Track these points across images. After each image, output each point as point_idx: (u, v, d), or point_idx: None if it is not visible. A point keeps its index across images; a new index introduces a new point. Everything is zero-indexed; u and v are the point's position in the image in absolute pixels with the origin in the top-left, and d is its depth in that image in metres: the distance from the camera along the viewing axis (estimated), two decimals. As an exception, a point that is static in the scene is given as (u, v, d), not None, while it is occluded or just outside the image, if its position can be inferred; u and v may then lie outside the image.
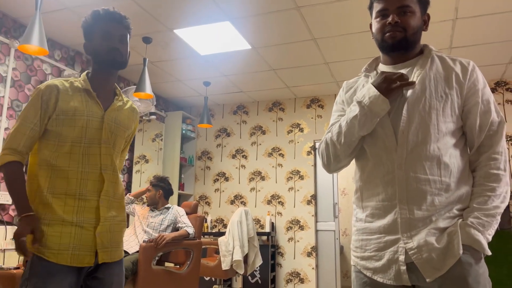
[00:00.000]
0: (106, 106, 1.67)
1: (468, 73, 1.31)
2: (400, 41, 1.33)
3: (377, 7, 1.37)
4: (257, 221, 5.61)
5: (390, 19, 1.32)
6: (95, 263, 1.55)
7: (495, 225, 1.23)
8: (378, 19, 1.36)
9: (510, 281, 4.39)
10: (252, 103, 6.01)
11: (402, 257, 1.24)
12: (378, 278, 1.28)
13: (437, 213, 1.24)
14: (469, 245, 1.20)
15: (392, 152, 1.29)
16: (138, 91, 4.08)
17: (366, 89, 1.32)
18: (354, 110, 1.33)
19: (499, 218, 1.23)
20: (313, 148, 5.57)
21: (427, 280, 1.20)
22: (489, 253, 1.21)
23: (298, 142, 5.66)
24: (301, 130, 5.68)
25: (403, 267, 1.23)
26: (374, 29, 1.39)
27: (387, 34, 1.33)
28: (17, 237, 1.44)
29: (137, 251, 3.36)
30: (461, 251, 1.18)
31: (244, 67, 4.75)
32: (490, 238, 1.22)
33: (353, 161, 1.48)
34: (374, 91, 1.28)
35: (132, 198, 4.00)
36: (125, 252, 3.46)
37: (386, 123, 1.31)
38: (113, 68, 1.69)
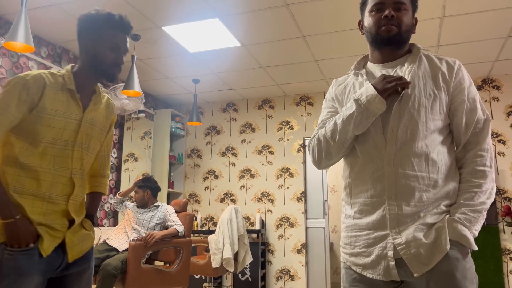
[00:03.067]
0: (85, 106, 1.60)
1: (454, 72, 1.33)
2: (395, 35, 1.34)
3: (373, 1, 1.38)
4: (247, 218, 5.61)
5: (387, 12, 1.33)
6: (65, 262, 1.50)
7: (481, 221, 1.25)
8: (373, 13, 1.37)
9: (497, 276, 4.46)
10: (241, 101, 6.00)
11: (391, 253, 1.25)
12: (368, 274, 1.29)
13: (425, 209, 1.25)
14: (456, 240, 1.22)
15: (382, 149, 1.30)
16: (126, 88, 4.04)
17: (364, 88, 1.32)
18: (350, 108, 1.33)
19: (485, 214, 1.25)
20: (303, 145, 5.59)
21: (415, 275, 1.21)
22: (476, 248, 1.23)
23: (288, 140, 5.67)
24: (291, 127, 5.69)
25: (392, 263, 1.24)
26: (367, 23, 1.39)
27: (383, 27, 1.34)
28: (25, 245, 1.38)
29: (127, 249, 3.34)
30: (448, 246, 1.20)
31: (234, 65, 4.73)
32: (476, 233, 1.24)
33: (342, 158, 1.48)
34: (372, 90, 1.29)
35: (121, 197, 3.97)
36: (115, 250, 3.44)
37: (376, 120, 1.32)
38: (107, 79, 1.63)
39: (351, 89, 1.44)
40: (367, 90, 1.31)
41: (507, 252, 4.60)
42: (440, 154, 1.29)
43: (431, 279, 1.20)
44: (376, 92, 1.28)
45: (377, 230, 1.28)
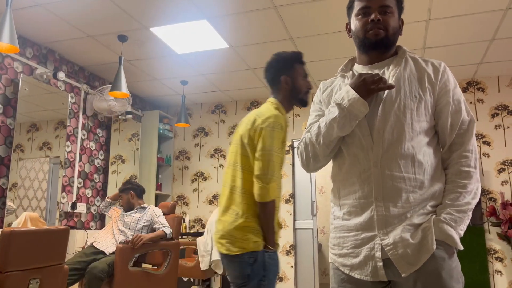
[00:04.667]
0: None
1: (440, 73, 1.34)
2: (382, 39, 1.34)
3: (358, 5, 1.38)
4: (236, 220, 5.59)
5: (373, 16, 1.33)
6: None
7: (466, 221, 1.26)
8: (359, 17, 1.37)
9: (482, 275, 4.52)
10: (230, 102, 5.99)
11: (378, 254, 1.26)
12: (356, 274, 1.30)
13: (412, 210, 1.26)
14: (442, 240, 1.23)
15: (368, 151, 1.30)
16: (113, 90, 4.01)
17: (344, 91, 1.32)
18: (333, 112, 1.33)
19: (470, 213, 1.27)
20: (291, 147, 5.60)
21: (402, 275, 1.22)
22: (461, 247, 1.24)
23: (276, 141, 5.67)
24: (279, 129, 5.69)
25: (380, 263, 1.25)
26: (354, 26, 1.40)
27: (370, 31, 1.34)
28: None
29: (114, 252, 3.31)
30: (434, 246, 1.21)
31: (222, 66, 4.73)
32: (462, 233, 1.25)
33: (331, 160, 1.49)
34: (353, 94, 1.29)
35: (110, 201, 3.95)
36: (102, 253, 3.41)
37: (362, 122, 1.32)
38: (302, 105, 2.06)
39: (337, 91, 1.44)
40: (348, 93, 1.30)
41: (492, 252, 4.67)
42: (426, 156, 1.30)
43: (418, 279, 1.22)
44: (357, 95, 1.28)
45: (365, 231, 1.29)
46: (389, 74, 1.35)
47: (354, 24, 1.39)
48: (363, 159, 1.31)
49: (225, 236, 1.88)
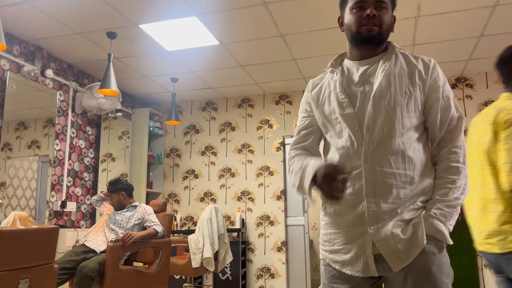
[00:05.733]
0: None
1: (430, 70, 1.34)
2: (376, 35, 1.34)
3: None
4: (227, 217, 5.59)
5: (368, 11, 1.32)
6: None
7: (455, 216, 1.27)
8: (354, 11, 1.36)
9: (471, 270, 4.57)
10: (221, 100, 5.98)
11: (369, 249, 1.26)
12: (347, 270, 1.31)
13: (402, 205, 1.27)
14: (432, 235, 1.24)
15: (359, 147, 1.31)
16: (103, 87, 3.97)
17: (309, 172, 1.28)
18: (295, 177, 1.37)
19: (459, 208, 1.28)
20: (283, 144, 5.61)
21: (394, 270, 1.23)
22: (451, 242, 1.25)
23: (268, 138, 5.68)
24: (270, 126, 5.70)
25: (371, 259, 1.26)
26: (348, 20, 1.38)
27: (364, 26, 1.33)
28: None
29: (105, 250, 3.29)
30: (425, 241, 1.22)
31: (212, 63, 4.71)
32: (451, 228, 1.27)
33: (322, 154, 1.49)
34: (307, 183, 1.28)
35: (103, 196, 3.90)
36: (93, 251, 3.38)
37: (352, 119, 1.32)
38: None
39: (327, 88, 1.44)
40: (308, 178, 1.27)
41: (481, 246, 4.72)
42: (416, 151, 1.31)
43: (408, 274, 1.23)
44: (307, 187, 1.28)
45: (355, 227, 1.30)
46: (379, 70, 1.35)
47: (348, 17, 1.38)
48: (353, 156, 1.31)
49: (493, 235, 1.84)
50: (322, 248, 1.41)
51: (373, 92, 1.32)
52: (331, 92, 1.40)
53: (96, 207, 3.96)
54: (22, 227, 2.98)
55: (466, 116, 5.06)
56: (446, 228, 1.25)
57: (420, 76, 1.33)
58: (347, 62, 1.45)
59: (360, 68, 1.39)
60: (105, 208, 3.84)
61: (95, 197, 3.94)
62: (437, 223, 1.24)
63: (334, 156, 1.38)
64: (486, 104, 5.02)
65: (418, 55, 1.39)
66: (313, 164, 1.28)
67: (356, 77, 1.38)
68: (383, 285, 1.35)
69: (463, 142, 1.34)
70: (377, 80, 1.33)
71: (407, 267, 1.22)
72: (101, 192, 3.93)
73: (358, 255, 1.28)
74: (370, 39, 1.35)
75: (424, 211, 1.28)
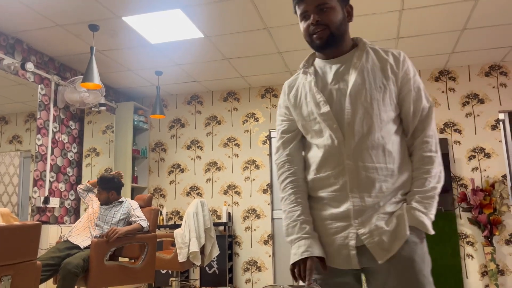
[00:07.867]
0: None
1: (400, 63, 1.37)
2: (327, 38, 1.35)
3: (299, 10, 1.40)
4: (214, 211, 5.59)
5: (311, 19, 1.35)
6: None
7: (435, 204, 1.31)
8: (302, 22, 1.39)
9: (454, 259, 4.66)
10: (206, 93, 5.94)
11: (352, 242, 1.28)
12: (329, 263, 1.32)
13: (385, 199, 1.30)
14: (414, 226, 1.27)
15: (340, 144, 1.32)
16: (85, 81, 3.91)
17: (295, 252, 1.33)
18: (286, 224, 1.39)
19: (437, 197, 1.32)
20: (269, 137, 5.61)
21: (379, 262, 1.25)
22: (433, 232, 1.29)
23: (254, 132, 5.67)
24: (256, 119, 5.69)
25: (353, 252, 1.28)
26: (301, 30, 1.42)
27: (314, 35, 1.36)
28: None
29: (89, 246, 3.25)
30: (408, 233, 1.25)
31: (197, 56, 4.67)
32: (433, 217, 1.30)
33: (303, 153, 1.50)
34: (294, 255, 1.32)
35: (90, 186, 3.82)
36: (77, 247, 3.34)
37: (329, 117, 1.33)
38: None
39: (302, 90, 1.44)
40: (295, 254, 1.32)
41: (463, 237, 4.82)
42: (395, 144, 1.34)
43: (392, 264, 1.25)
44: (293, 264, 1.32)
45: (339, 220, 1.31)
46: (352, 67, 1.36)
47: (301, 28, 1.42)
48: (336, 153, 1.33)
49: None
50: (307, 241, 1.41)
51: (349, 89, 1.33)
52: (307, 93, 1.42)
53: (82, 197, 3.88)
54: (4, 223, 2.92)
55: (449, 108, 5.13)
56: (428, 218, 1.28)
57: (392, 70, 1.36)
58: (319, 62, 1.46)
59: (333, 66, 1.41)
60: (91, 202, 3.78)
61: (81, 186, 3.85)
62: (419, 215, 1.27)
63: (316, 154, 1.39)
64: (468, 97, 5.10)
65: (388, 49, 1.41)
66: (304, 243, 1.32)
67: (330, 76, 1.39)
68: (362, 276, 1.37)
69: (434, 131, 1.37)
70: (351, 77, 1.34)
71: (391, 257, 1.25)
72: (88, 181, 3.86)
73: (340, 248, 1.30)
74: (324, 45, 1.37)
75: (405, 204, 1.31)
